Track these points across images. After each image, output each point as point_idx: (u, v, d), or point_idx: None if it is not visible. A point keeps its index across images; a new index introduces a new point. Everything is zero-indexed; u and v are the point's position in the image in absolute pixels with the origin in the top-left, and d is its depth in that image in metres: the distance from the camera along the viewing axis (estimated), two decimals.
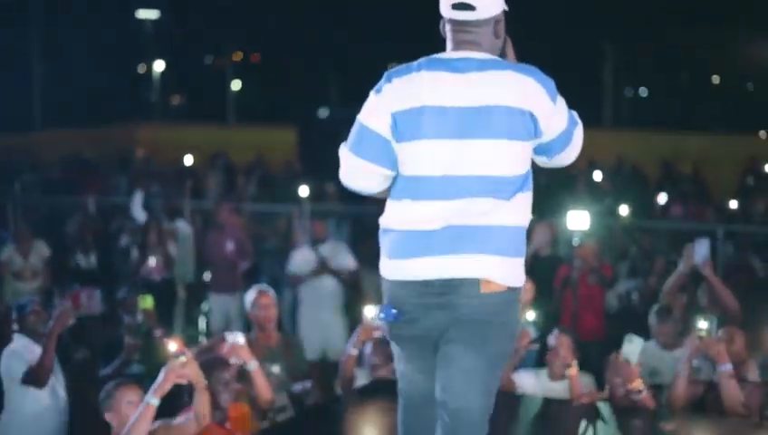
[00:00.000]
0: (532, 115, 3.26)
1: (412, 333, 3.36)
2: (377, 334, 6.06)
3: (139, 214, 10.87)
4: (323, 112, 27.47)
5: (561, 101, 3.36)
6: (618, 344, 5.61)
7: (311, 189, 11.37)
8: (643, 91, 36.24)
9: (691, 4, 29.18)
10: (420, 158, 3.28)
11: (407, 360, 3.48)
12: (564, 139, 3.40)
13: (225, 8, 30.95)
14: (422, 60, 3.34)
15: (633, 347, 5.53)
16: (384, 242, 3.38)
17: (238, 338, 5.77)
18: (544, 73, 3.34)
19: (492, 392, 3.36)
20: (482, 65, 3.29)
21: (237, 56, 36.63)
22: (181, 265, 10.34)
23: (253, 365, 5.79)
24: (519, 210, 3.31)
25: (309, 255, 9.40)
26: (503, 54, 3.44)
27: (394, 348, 3.52)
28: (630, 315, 8.62)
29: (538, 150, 3.40)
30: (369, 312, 6.08)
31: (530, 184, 3.36)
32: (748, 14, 27.23)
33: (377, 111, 3.33)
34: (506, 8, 3.41)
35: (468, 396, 3.27)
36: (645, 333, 6.46)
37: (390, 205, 3.38)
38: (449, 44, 3.39)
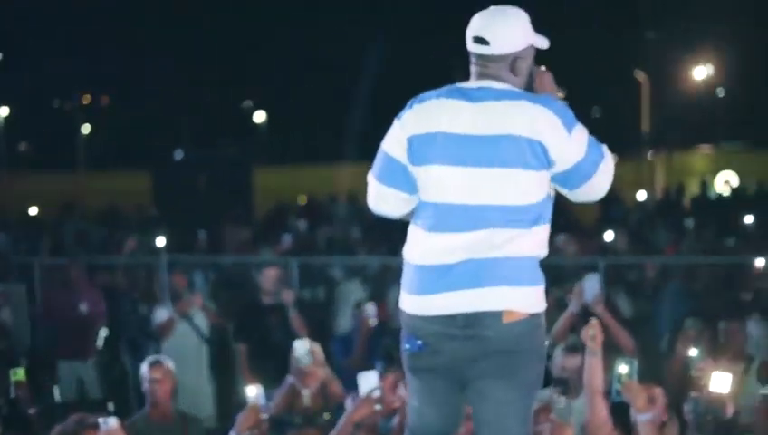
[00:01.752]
0: (541, 144, 3.32)
1: (434, 364, 3.43)
2: (264, 417, 5.29)
3: None
4: (178, 154, 26.50)
5: (579, 132, 3.39)
6: None
7: (171, 238, 10.60)
8: None
9: None
10: (435, 183, 3.40)
11: (421, 393, 3.53)
12: (584, 170, 3.40)
13: (70, 50, 29.87)
14: (443, 88, 3.46)
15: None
16: (405, 275, 3.48)
17: (111, 423, 4.98)
18: (562, 104, 3.41)
19: (528, 420, 3.47)
20: (498, 95, 3.38)
21: (86, 99, 35.36)
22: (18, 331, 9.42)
23: None
24: (537, 241, 3.40)
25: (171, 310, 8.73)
26: (531, 90, 3.47)
27: (410, 382, 3.56)
28: None
29: (556, 181, 3.43)
30: (252, 392, 5.29)
31: (547, 216, 3.43)
32: None
33: (396, 137, 3.47)
34: (538, 46, 3.48)
35: (506, 427, 3.39)
36: None
37: (412, 233, 3.48)
38: (472, 76, 3.49)
